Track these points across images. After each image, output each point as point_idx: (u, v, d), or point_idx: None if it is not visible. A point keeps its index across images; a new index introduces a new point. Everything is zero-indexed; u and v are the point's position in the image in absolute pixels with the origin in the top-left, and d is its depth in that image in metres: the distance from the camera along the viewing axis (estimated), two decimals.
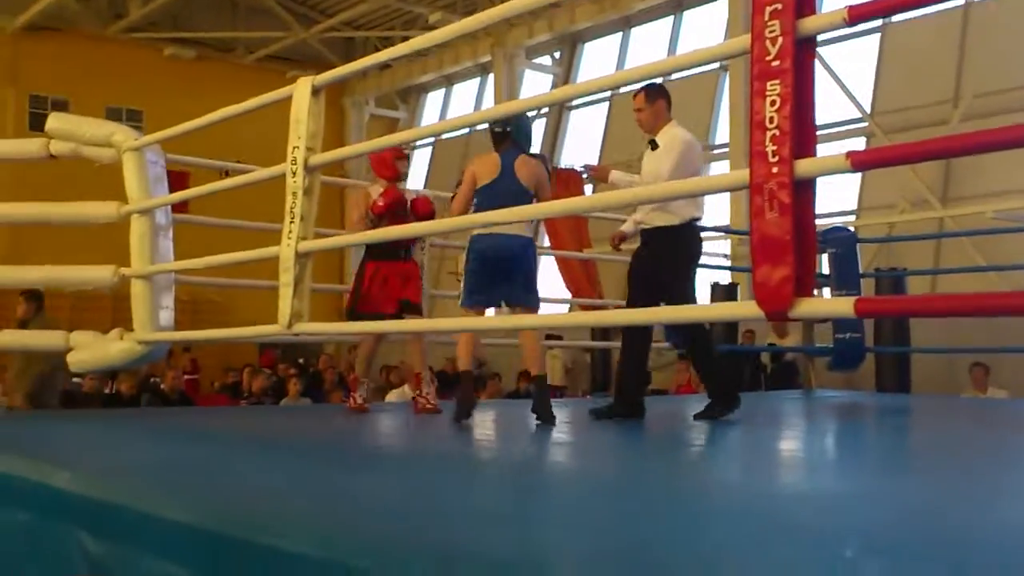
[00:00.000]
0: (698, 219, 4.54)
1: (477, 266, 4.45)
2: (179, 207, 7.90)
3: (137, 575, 2.20)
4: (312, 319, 3.88)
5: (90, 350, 4.69)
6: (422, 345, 5.13)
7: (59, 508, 2.60)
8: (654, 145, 4.51)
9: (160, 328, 4.58)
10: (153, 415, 5.48)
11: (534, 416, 4.25)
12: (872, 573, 1.54)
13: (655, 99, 4.54)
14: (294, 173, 3.74)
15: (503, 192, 4.28)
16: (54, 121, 4.95)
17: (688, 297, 4.42)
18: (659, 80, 4.62)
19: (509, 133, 4.53)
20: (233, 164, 6.01)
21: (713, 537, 1.83)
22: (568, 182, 11.30)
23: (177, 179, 8.83)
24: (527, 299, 4.49)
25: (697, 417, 4.34)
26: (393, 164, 5.10)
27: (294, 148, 3.75)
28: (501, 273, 4.42)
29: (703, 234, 4.76)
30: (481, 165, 4.51)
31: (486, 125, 4.72)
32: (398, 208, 4.88)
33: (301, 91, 3.81)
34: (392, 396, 7.29)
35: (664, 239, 4.44)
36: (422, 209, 5.04)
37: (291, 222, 3.72)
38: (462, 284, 4.54)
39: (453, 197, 4.62)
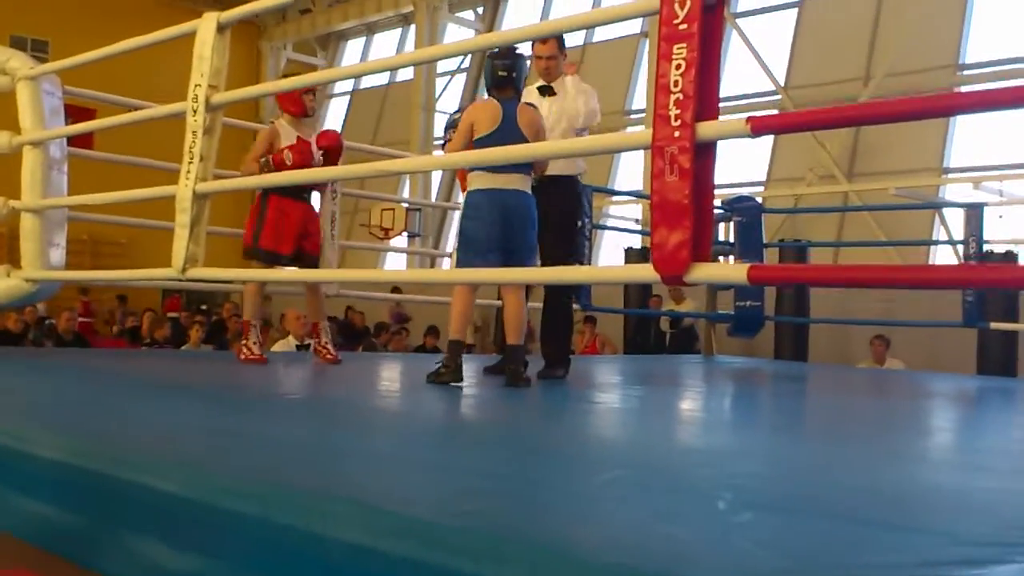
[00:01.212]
0: (584, 172, 4.55)
1: (481, 224, 4.00)
2: (84, 143, 7.64)
3: (6, 514, 2.13)
4: (214, 264, 3.80)
5: None
6: (320, 296, 5.02)
7: None
8: (547, 91, 4.45)
9: (50, 266, 4.43)
10: (42, 354, 5.32)
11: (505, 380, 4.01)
12: (743, 524, 1.58)
13: (563, 50, 4.50)
14: (195, 111, 3.63)
15: (506, 142, 3.75)
16: None
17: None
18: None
19: (513, 79, 4.07)
20: (136, 101, 5.81)
21: (588, 486, 1.85)
22: None
23: (82, 115, 8.55)
24: (530, 263, 4.11)
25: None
26: (300, 99, 4.74)
27: (195, 86, 3.64)
28: (506, 233, 3.99)
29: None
30: (481, 112, 4.03)
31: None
32: (306, 166, 4.65)
33: (206, 27, 3.69)
34: (278, 347, 7.19)
35: (566, 188, 4.42)
36: (328, 142, 4.75)
37: (189, 162, 3.61)
38: (457, 243, 4.10)
39: (444, 144, 4.19)
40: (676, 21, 2.39)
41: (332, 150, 4.80)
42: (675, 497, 1.79)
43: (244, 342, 4.82)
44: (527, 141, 3.96)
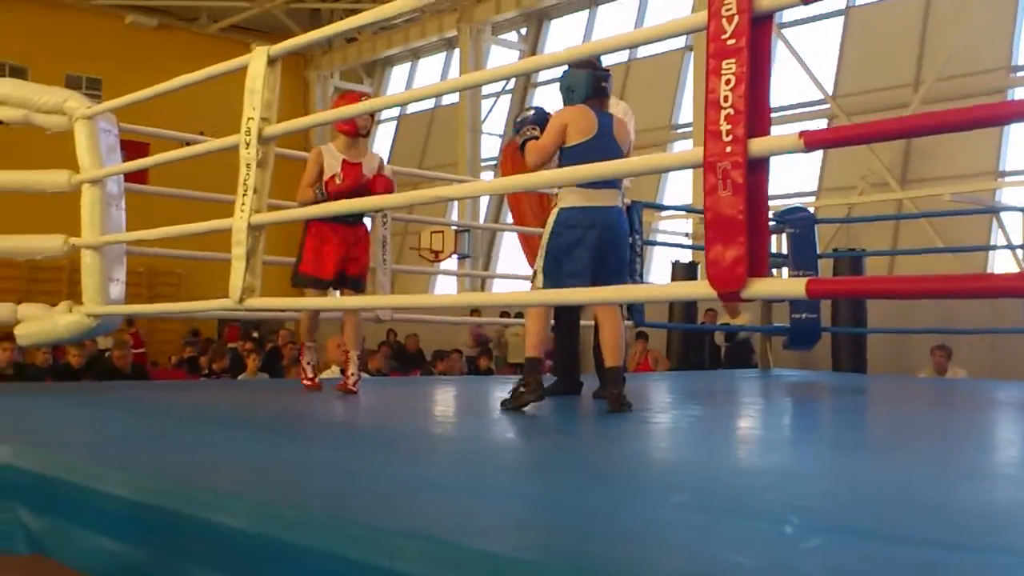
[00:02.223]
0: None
1: (576, 244, 3.83)
2: (139, 178, 7.80)
3: (76, 551, 2.16)
4: (270, 293, 3.85)
5: (38, 323, 4.61)
6: (357, 323, 4.92)
7: (0, 483, 2.55)
8: None
9: (110, 301, 4.51)
10: (102, 388, 5.40)
11: (606, 403, 3.88)
12: (812, 551, 1.54)
13: None
14: (247, 144, 3.69)
15: (604, 155, 3.56)
16: (5, 87, 4.83)
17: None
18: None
19: (608, 91, 3.95)
20: (191, 135, 5.91)
21: (656, 512, 1.83)
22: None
23: (137, 149, 8.73)
24: (622, 280, 3.98)
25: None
26: (353, 120, 4.67)
27: (248, 119, 3.70)
28: (601, 252, 3.86)
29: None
30: (576, 119, 3.83)
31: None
32: (356, 192, 4.57)
33: (257, 61, 3.75)
34: (325, 374, 7.25)
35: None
36: (379, 190, 4.70)
37: (244, 194, 3.66)
38: (541, 264, 3.91)
39: (523, 145, 3.94)
40: (724, 36, 2.37)
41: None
42: (742, 523, 1.76)
43: (302, 366, 4.95)
44: (621, 153, 3.87)
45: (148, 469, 2.30)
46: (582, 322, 4.84)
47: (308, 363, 4.94)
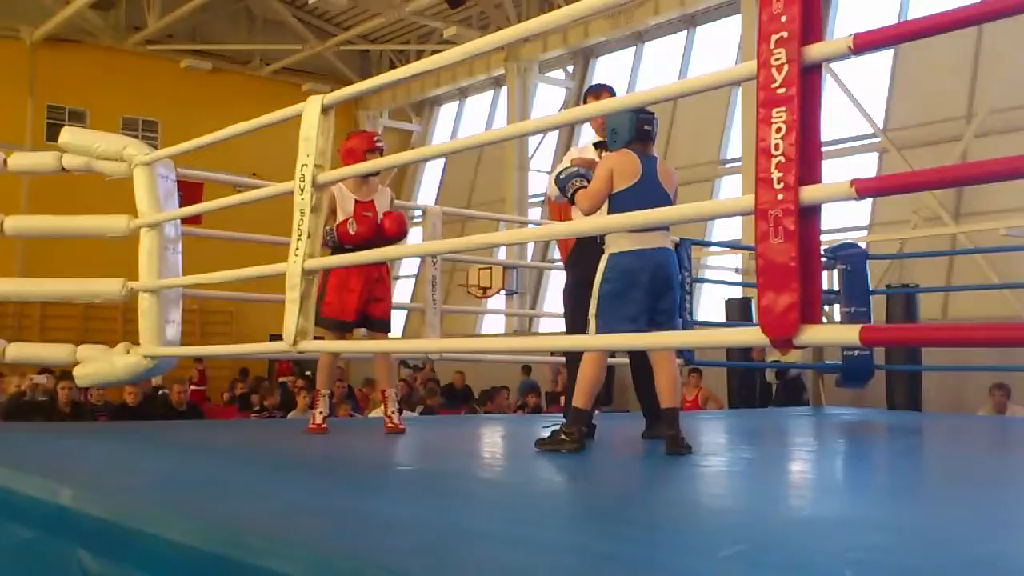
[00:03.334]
0: None
1: (629, 288, 3.83)
2: (193, 219, 7.96)
3: None
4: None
5: (96, 364, 4.71)
6: (389, 363, 4.93)
7: (60, 525, 2.60)
8: (603, 146, 4.25)
9: (167, 342, 4.60)
10: (158, 428, 5.49)
11: (664, 445, 3.81)
12: None
13: None
14: (302, 190, 3.76)
15: (650, 198, 3.70)
16: (67, 135, 4.98)
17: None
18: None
19: (653, 135, 4.01)
20: (242, 179, 6.04)
21: (704, 565, 1.82)
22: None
23: (192, 190, 8.90)
24: (675, 324, 3.98)
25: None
26: (362, 158, 4.59)
27: (303, 166, 3.78)
28: (654, 295, 3.86)
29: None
30: (622, 164, 3.87)
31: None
32: (370, 233, 4.59)
33: (311, 109, 3.83)
34: (375, 412, 7.32)
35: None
36: (392, 231, 4.66)
37: (298, 239, 3.74)
38: (594, 310, 3.87)
39: (575, 192, 3.94)
40: (774, 85, 2.39)
41: (395, 239, 4.71)
42: (795, 575, 1.74)
43: (313, 411, 4.81)
44: (667, 196, 3.89)
45: (205, 515, 2.33)
46: (619, 359, 4.78)
47: (320, 412, 4.75)
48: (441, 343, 5.71)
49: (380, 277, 4.78)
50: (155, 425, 5.94)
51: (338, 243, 4.59)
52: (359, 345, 4.77)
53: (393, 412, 4.78)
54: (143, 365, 4.65)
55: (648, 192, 3.78)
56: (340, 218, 4.67)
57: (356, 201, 4.74)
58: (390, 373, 4.89)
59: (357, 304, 4.69)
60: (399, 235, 4.71)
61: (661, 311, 3.88)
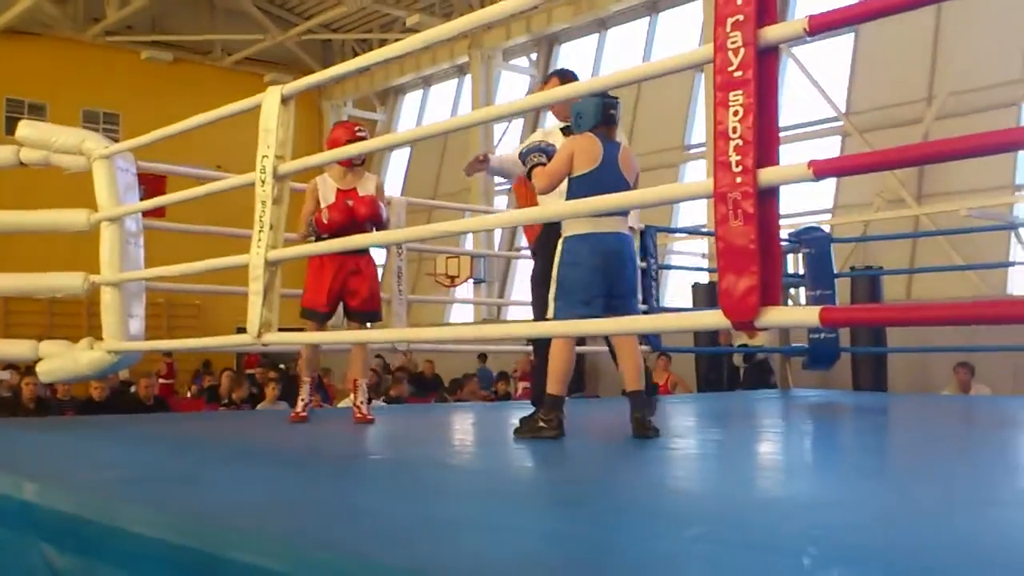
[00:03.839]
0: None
1: (584, 271, 3.85)
2: (156, 212, 7.88)
3: None
4: (284, 322, 3.89)
5: (60, 360, 4.66)
6: (364, 354, 4.97)
7: (24, 521, 2.58)
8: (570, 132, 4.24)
9: (130, 337, 4.56)
10: (126, 422, 5.44)
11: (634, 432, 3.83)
12: None
13: None
14: (263, 182, 3.73)
15: (607, 185, 3.68)
16: (25, 129, 4.91)
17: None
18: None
19: (616, 118, 3.98)
20: (205, 172, 5.98)
21: (670, 545, 1.84)
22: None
23: (155, 183, 8.81)
24: (632, 307, 3.98)
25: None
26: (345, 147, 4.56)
27: (263, 157, 3.75)
28: (609, 279, 3.87)
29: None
30: (583, 148, 3.86)
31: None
32: (347, 222, 4.61)
33: (270, 100, 3.80)
34: (343, 403, 7.33)
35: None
36: (364, 215, 4.66)
37: (260, 231, 3.71)
38: (553, 293, 3.91)
39: (529, 172, 3.98)
40: (731, 68, 2.40)
41: (368, 219, 4.69)
42: (757, 555, 1.76)
43: (298, 398, 4.96)
44: (626, 182, 3.89)
45: (174, 508, 2.32)
46: (591, 347, 4.83)
47: (302, 399, 4.89)
48: (408, 332, 5.70)
49: (357, 269, 4.77)
50: (122, 419, 5.88)
51: (316, 232, 4.65)
52: (324, 336, 4.75)
53: (362, 402, 4.80)
54: (107, 360, 4.60)
55: (606, 179, 3.79)
56: (322, 207, 4.70)
57: (338, 190, 4.75)
58: (362, 365, 4.90)
59: (327, 294, 4.71)
60: (372, 218, 4.68)
61: (616, 295, 3.89)
